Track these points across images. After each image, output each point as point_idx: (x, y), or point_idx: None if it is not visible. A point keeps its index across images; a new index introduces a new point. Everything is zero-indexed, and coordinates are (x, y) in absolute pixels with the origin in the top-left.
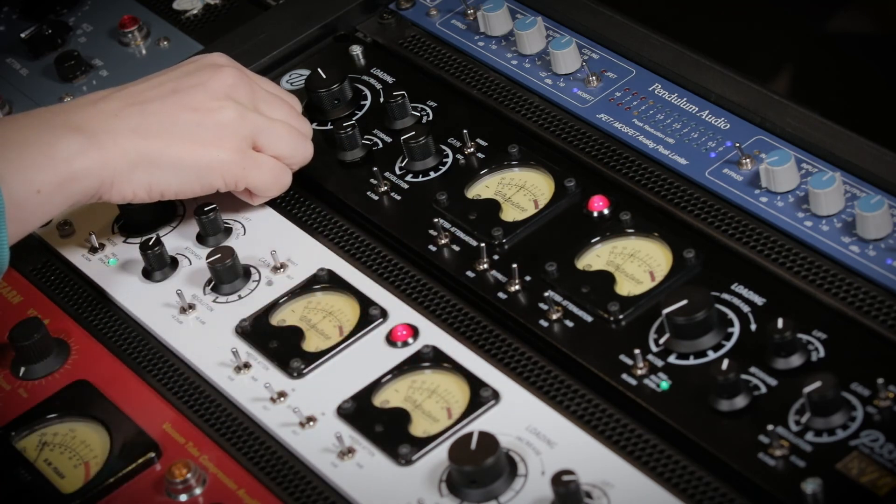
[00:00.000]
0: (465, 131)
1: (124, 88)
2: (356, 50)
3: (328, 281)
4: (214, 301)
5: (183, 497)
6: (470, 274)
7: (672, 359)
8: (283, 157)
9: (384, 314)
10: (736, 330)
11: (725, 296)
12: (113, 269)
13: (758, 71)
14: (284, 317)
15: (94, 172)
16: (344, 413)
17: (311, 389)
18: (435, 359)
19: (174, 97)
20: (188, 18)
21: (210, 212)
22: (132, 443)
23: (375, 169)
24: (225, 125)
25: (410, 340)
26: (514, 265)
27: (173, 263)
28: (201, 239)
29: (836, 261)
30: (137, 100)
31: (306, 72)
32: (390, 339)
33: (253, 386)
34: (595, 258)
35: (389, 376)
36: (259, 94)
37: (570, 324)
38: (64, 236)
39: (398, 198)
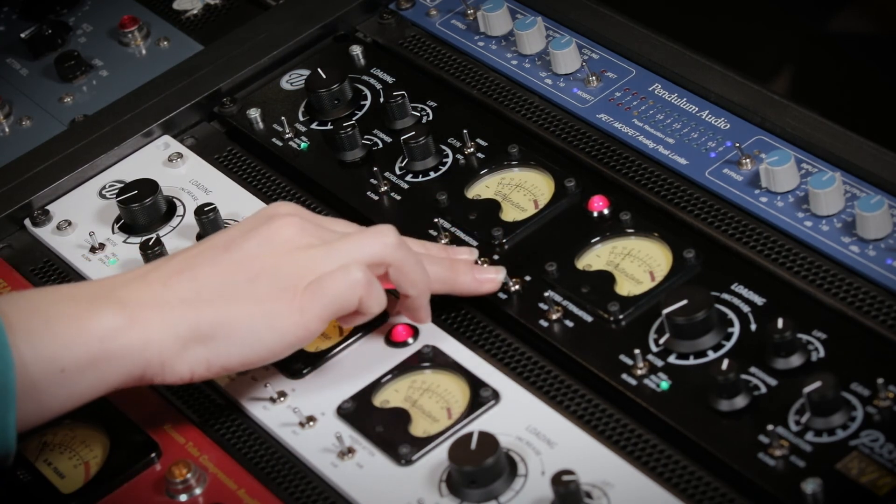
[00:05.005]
0: (465, 131)
1: (178, 254)
2: (356, 50)
3: None
4: None
5: (183, 497)
6: None
7: (672, 359)
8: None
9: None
10: (736, 330)
11: (725, 296)
12: (113, 269)
13: (758, 71)
14: None
15: (134, 353)
16: (344, 413)
17: (311, 389)
18: (435, 359)
19: (226, 256)
20: (188, 18)
21: (210, 212)
22: (132, 443)
23: (375, 169)
24: (281, 276)
25: (410, 340)
26: (514, 265)
27: None
28: (201, 239)
29: (836, 261)
30: (188, 265)
31: (306, 72)
32: (390, 339)
33: (253, 386)
34: (595, 258)
35: (389, 376)
36: (323, 233)
37: (570, 324)
38: (64, 236)
39: (398, 198)
